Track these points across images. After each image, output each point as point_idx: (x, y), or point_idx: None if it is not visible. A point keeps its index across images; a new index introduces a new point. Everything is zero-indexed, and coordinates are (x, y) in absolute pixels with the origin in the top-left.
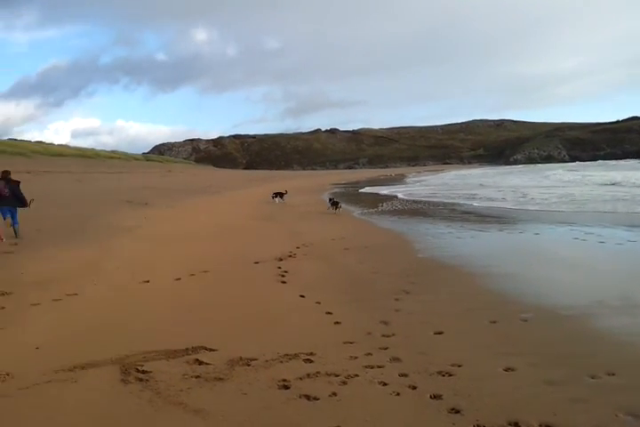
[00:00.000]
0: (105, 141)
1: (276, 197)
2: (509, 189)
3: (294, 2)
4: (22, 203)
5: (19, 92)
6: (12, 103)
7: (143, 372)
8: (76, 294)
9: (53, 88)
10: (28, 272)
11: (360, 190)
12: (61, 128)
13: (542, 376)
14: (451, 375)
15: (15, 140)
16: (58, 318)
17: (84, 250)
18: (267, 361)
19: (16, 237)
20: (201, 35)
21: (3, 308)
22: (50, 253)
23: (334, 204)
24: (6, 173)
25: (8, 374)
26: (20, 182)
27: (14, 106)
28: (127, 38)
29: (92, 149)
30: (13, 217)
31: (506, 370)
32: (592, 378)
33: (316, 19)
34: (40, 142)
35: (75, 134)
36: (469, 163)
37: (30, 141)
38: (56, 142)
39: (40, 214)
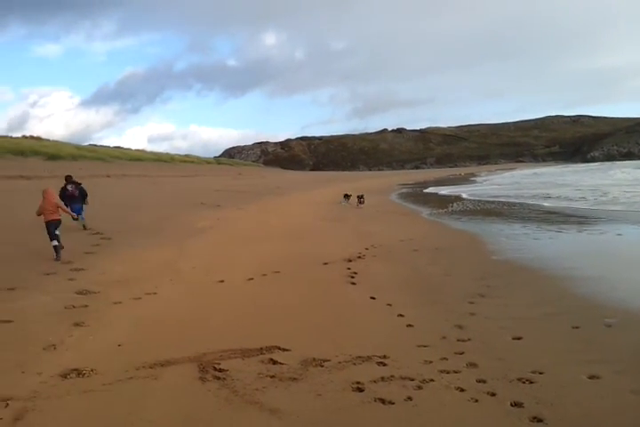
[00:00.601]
0: (179, 146)
1: (347, 197)
2: (588, 188)
3: (360, 1)
4: (85, 201)
5: (98, 99)
6: (92, 110)
7: (220, 370)
8: (155, 293)
9: (131, 95)
10: (110, 272)
11: (427, 190)
12: (138, 133)
13: (629, 385)
14: (532, 383)
15: (95, 145)
16: (138, 317)
17: (161, 250)
18: (340, 363)
19: (85, 229)
20: (270, 39)
21: (86, 306)
22: (129, 254)
23: (359, 197)
24: (70, 177)
25: (93, 370)
26: (81, 184)
27: (94, 113)
28: (200, 45)
29: (167, 154)
30: (80, 212)
31: (590, 378)
32: None
33: (383, 17)
34: (118, 147)
35: (151, 139)
36: (544, 160)
37: (109, 147)
38: (133, 147)
39: (120, 216)
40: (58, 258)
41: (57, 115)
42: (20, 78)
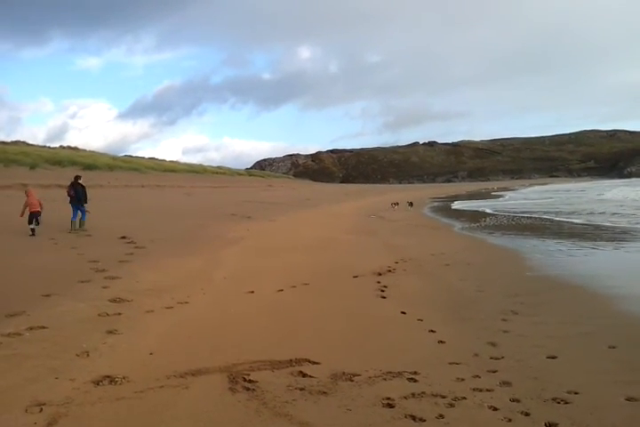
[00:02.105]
0: (212, 157)
1: (396, 205)
2: (626, 205)
3: (396, 14)
4: (83, 201)
5: (136, 111)
6: (129, 122)
7: (250, 381)
8: (186, 303)
9: (167, 107)
10: (143, 280)
11: (459, 204)
12: (173, 145)
13: None
14: (567, 403)
15: (130, 156)
16: (170, 325)
17: (193, 260)
18: (370, 378)
19: (79, 227)
20: (305, 52)
21: (119, 314)
22: (162, 263)
23: (410, 204)
24: (77, 177)
25: (124, 378)
26: (85, 187)
27: (131, 125)
28: (236, 58)
29: (200, 165)
30: (83, 212)
31: (628, 400)
32: None
33: (418, 30)
34: (153, 159)
35: (185, 151)
36: (579, 175)
37: (144, 158)
38: (168, 158)
39: (153, 225)
40: (33, 234)
41: (95, 126)
42: (60, 90)
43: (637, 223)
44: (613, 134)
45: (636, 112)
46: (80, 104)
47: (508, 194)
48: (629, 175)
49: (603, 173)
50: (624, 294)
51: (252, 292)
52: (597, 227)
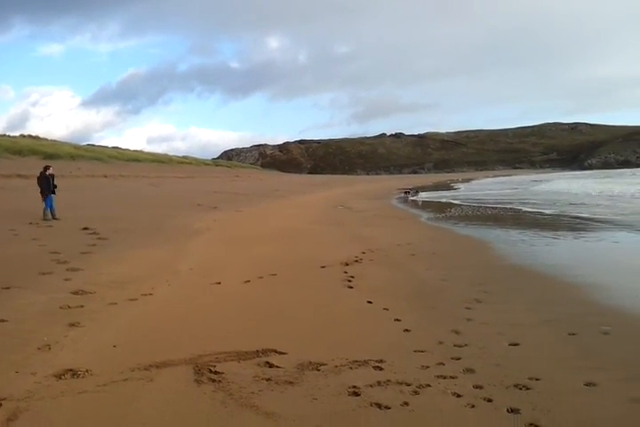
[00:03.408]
0: (178, 147)
1: (407, 193)
2: (592, 195)
3: (366, 6)
4: (49, 191)
5: (100, 99)
6: (92, 110)
7: (216, 373)
8: (151, 294)
9: (132, 96)
10: (106, 272)
11: (426, 195)
12: (137, 134)
13: (627, 393)
14: (528, 389)
15: (93, 145)
16: (134, 318)
17: (158, 251)
18: (336, 367)
19: (45, 217)
20: (274, 42)
21: (82, 306)
22: (126, 254)
23: (415, 191)
24: (46, 168)
25: (87, 371)
26: (53, 177)
27: (95, 113)
28: (204, 47)
29: (166, 155)
30: (50, 201)
31: (587, 385)
32: None
33: (387, 22)
34: (116, 148)
35: (150, 140)
36: (541, 167)
37: (107, 147)
38: (132, 148)
39: (116, 216)
40: None
41: (57, 114)
42: (22, 78)
43: (599, 214)
44: (575, 127)
45: (598, 106)
46: (42, 92)
47: (472, 185)
48: (590, 167)
49: (564, 165)
50: (584, 282)
51: (219, 283)
52: (560, 217)
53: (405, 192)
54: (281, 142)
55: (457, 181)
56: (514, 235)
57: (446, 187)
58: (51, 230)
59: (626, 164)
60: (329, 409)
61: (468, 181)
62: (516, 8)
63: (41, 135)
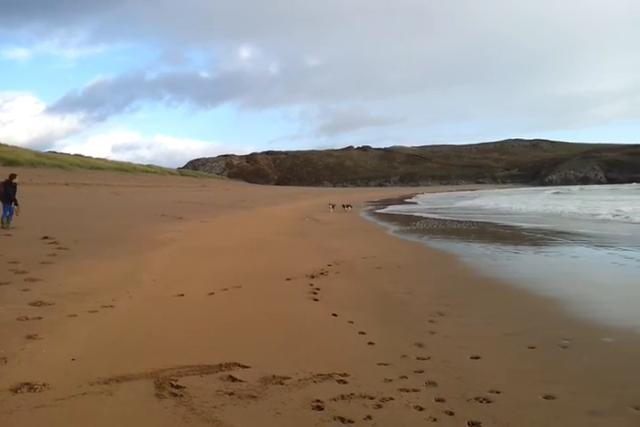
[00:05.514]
0: (143, 155)
1: (334, 206)
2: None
3: (337, 19)
4: (10, 201)
5: (65, 106)
6: (57, 117)
7: (177, 387)
8: (111, 306)
9: (98, 103)
10: (66, 283)
11: (392, 208)
12: (102, 142)
13: (584, 406)
14: (489, 402)
15: (55, 152)
16: (94, 330)
17: (120, 262)
18: (300, 380)
19: (7, 226)
20: (245, 52)
21: (40, 318)
22: (87, 265)
23: (348, 206)
24: (12, 176)
25: (45, 385)
26: (16, 185)
27: (59, 120)
28: (174, 55)
29: (130, 163)
30: (11, 212)
31: (546, 398)
32: (637, 409)
33: (358, 36)
34: (79, 155)
35: (115, 148)
36: (503, 182)
37: (69, 154)
38: (96, 156)
39: (77, 226)
40: None
41: (20, 120)
42: None
43: (566, 228)
44: (536, 144)
45: (558, 123)
46: (5, 97)
47: (436, 199)
48: (550, 183)
49: (525, 181)
50: (545, 296)
51: (182, 295)
52: (522, 231)
53: (332, 206)
54: (249, 153)
55: (423, 195)
56: (476, 249)
57: (399, 201)
58: (9, 239)
59: (584, 180)
60: (292, 424)
61: (418, 195)
62: (481, 27)
63: (1, 141)
